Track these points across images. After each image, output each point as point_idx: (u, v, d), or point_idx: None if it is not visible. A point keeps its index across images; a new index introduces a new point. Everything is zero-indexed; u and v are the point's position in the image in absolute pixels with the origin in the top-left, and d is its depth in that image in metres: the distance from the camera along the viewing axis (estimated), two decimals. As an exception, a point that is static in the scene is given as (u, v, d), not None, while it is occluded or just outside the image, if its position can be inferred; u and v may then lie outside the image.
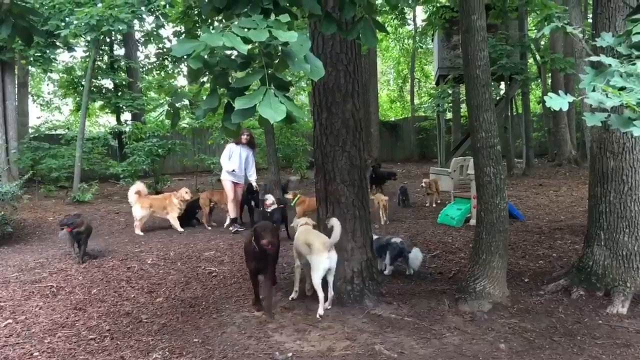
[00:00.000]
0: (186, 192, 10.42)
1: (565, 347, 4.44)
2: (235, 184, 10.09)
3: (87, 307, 5.78)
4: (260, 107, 2.69)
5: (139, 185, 10.36)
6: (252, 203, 10.29)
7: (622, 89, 2.41)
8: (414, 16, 29.13)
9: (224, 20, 3.32)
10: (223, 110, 3.06)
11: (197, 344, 4.68)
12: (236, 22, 2.79)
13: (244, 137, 9.98)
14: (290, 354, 4.46)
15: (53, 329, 5.14)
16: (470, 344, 4.58)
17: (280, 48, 2.94)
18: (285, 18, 2.87)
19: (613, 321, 4.97)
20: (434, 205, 11.94)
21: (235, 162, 9.96)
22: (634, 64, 2.53)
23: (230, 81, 3.20)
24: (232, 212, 10.13)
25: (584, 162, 17.60)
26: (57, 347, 4.70)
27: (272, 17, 2.95)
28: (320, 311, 5.24)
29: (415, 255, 6.60)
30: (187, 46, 2.75)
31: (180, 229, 10.13)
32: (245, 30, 2.70)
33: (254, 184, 10.20)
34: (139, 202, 10.04)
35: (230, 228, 10.05)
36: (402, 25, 27.91)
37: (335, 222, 5.23)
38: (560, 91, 2.57)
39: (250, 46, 2.74)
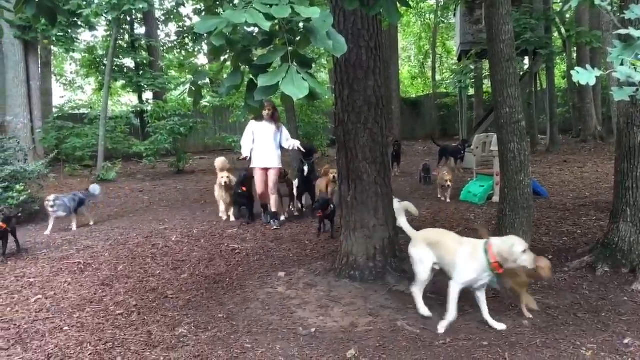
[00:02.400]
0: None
1: (590, 323, 4.42)
2: (265, 170, 8.44)
3: (114, 283, 5.89)
4: (283, 84, 2.69)
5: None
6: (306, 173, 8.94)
7: (651, 62, 2.36)
8: (436, -10, 28.66)
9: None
10: (246, 88, 3.07)
11: (221, 319, 4.75)
12: (258, -1, 2.78)
13: (265, 113, 8.25)
14: (313, 330, 4.51)
15: (82, 304, 5.25)
16: (493, 319, 4.58)
17: (302, 24, 2.92)
18: (307, -6, 2.84)
19: (638, 297, 4.93)
20: (448, 200, 10.15)
21: (260, 143, 8.36)
22: (665, 37, 2.48)
23: (252, 58, 3.20)
24: (273, 205, 8.53)
25: (609, 138, 17.29)
26: (85, 322, 4.81)
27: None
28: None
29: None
30: (210, 23, 2.75)
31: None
32: (268, 6, 2.69)
33: (298, 146, 8.69)
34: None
35: (272, 222, 8.45)
36: (424, 0, 27.51)
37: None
38: (587, 65, 2.53)
39: (271, 23, 2.73)
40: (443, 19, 30.69)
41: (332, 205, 7.42)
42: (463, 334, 4.33)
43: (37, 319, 4.90)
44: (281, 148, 8.60)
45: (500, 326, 4.37)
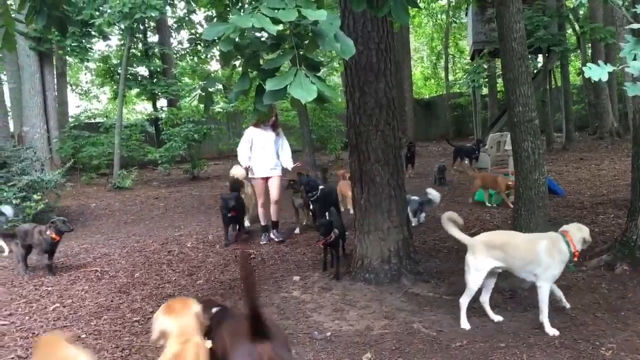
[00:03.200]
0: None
1: (609, 322, 4.36)
2: (265, 180, 7.80)
3: (131, 290, 5.93)
4: (292, 88, 2.69)
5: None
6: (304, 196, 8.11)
7: (664, 56, 2.32)
8: (447, -10, 28.53)
9: (253, 2, 3.31)
10: (255, 93, 3.07)
11: (237, 325, 4.75)
12: (265, 3, 2.78)
13: (270, 119, 7.61)
14: (328, 334, 4.50)
15: (99, 312, 5.29)
16: (510, 321, 4.54)
17: (310, 27, 2.92)
18: (314, -4, 2.84)
19: (659, 296, 4.85)
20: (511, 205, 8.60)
21: (261, 150, 7.66)
22: (678, 30, 2.43)
23: (261, 63, 3.20)
24: (262, 219, 7.91)
25: (626, 135, 17.03)
26: (103, 329, 4.84)
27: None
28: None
29: (432, 194, 8.35)
30: (218, 29, 2.76)
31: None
32: (274, 10, 2.69)
33: (290, 166, 7.87)
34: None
35: (262, 239, 7.84)
36: (435, 0, 27.40)
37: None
38: (599, 61, 2.49)
39: (280, 27, 2.73)
40: (455, 19, 30.54)
41: (335, 231, 5.89)
42: (480, 336, 4.29)
43: (55, 327, 4.95)
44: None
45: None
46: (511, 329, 4.38)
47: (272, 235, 7.87)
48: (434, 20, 34.14)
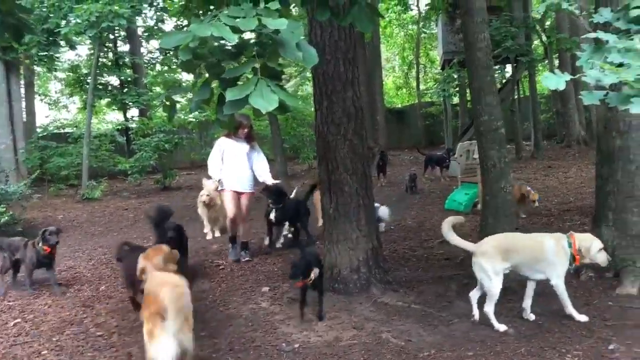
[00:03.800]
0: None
1: (575, 330, 4.39)
2: (240, 194, 7.22)
3: (95, 304, 5.80)
4: (252, 97, 2.65)
5: None
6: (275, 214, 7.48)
7: (620, 65, 2.35)
8: (417, 1, 28.84)
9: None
10: (216, 102, 3.03)
11: (204, 337, 4.66)
12: (225, 11, 2.75)
13: (242, 131, 7.10)
14: (297, 345, 4.45)
15: (61, 327, 5.15)
16: (478, 329, 4.55)
17: (271, 36, 2.89)
18: (275, 5, 2.81)
19: (623, 302, 4.92)
20: (523, 216, 8.69)
21: (233, 163, 7.12)
22: (632, 39, 2.47)
23: (223, 72, 3.16)
24: (231, 231, 7.35)
25: (593, 142, 17.32)
26: (65, 345, 4.71)
27: (262, 5, 2.90)
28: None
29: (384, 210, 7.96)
30: (176, 38, 2.72)
31: None
32: (234, 19, 2.66)
33: (270, 182, 7.22)
34: None
35: (243, 255, 7.25)
36: (405, 11, 27.68)
37: None
38: (556, 70, 2.51)
39: (238, 36, 2.69)
40: (425, 29, 30.88)
41: (316, 270, 4.89)
42: (448, 345, 4.29)
43: (16, 344, 4.80)
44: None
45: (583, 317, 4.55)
46: (479, 337, 4.39)
47: (242, 254, 7.23)
48: (405, 31, 34.48)
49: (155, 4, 14.95)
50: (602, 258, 4.53)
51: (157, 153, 15.53)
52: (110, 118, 28.02)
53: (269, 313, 5.22)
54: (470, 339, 4.38)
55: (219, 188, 7.30)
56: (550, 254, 4.51)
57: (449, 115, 20.97)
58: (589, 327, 4.40)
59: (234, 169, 7.13)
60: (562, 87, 2.42)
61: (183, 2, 12.68)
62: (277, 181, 7.55)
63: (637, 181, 5.35)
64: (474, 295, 4.76)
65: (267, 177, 7.21)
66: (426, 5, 21.41)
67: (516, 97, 18.52)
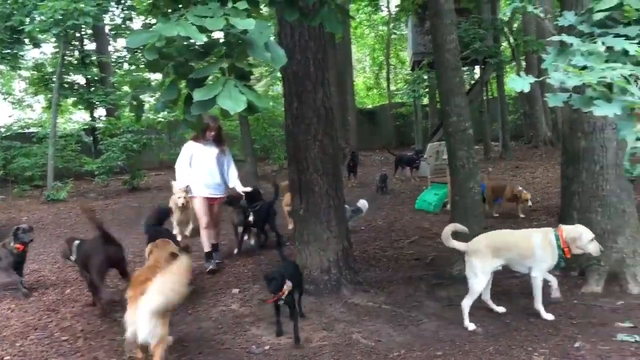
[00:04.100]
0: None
1: (541, 328, 4.47)
2: (211, 200, 6.96)
3: (60, 308, 5.67)
4: (220, 98, 2.62)
5: None
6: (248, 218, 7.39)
7: (583, 68, 2.39)
8: (388, 2, 29.02)
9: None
10: (183, 103, 2.98)
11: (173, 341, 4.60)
12: (192, 11, 2.71)
13: (210, 133, 6.82)
14: (267, 347, 4.43)
15: (25, 332, 5.02)
16: (447, 329, 4.59)
17: (240, 36, 2.86)
18: (243, 5, 2.79)
19: (588, 300, 5.02)
20: (522, 215, 8.93)
21: (202, 168, 6.83)
22: (595, 43, 2.51)
23: (191, 72, 3.12)
24: (205, 243, 6.92)
25: (559, 143, 17.66)
26: (28, 350, 4.60)
27: (230, 4, 2.87)
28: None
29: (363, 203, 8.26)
30: (142, 37, 2.67)
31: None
32: (201, 19, 2.62)
33: (240, 189, 7.04)
34: None
35: (206, 265, 6.85)
36: (375, 12, 27.81)
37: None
38: (522, 72, 2.54)
39: (205, 35, 2.66)
40: (395, 30, 31.09)
41: (289, 283, 4.50)
42: (417, 345, 4.32)
43: (-24, 350, 4.66)
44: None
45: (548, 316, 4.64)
46: (448, 337, 4.43)
47: (213, 255, 6.95)
48: (376, 32, 34.67)
49: (122, 1, 14.66)
50: (593, 248, 4.54)
51: (125, 153, 15.28)
52: (77, 118, 27.48)
53: (239, 315, 5.18)
54: (440, 338, 4.41)
55: (189, 195, 7.13)
56: (537, 249, 4.59)
57: (419, 116, 21.15)
58: (555, 326, 4.48)
59: (203, 174, 6.85)
60: (527, 89, 2.45)
61: (151, 1, 12.47)
62: (248, 189, 7.21)
63: (601, 181, 5.46)
64: (484, 294, 4.83)
65: (236, 184, 7.02)
66: (396, 6, 21.55)
67: (485, 98, 18.78)
